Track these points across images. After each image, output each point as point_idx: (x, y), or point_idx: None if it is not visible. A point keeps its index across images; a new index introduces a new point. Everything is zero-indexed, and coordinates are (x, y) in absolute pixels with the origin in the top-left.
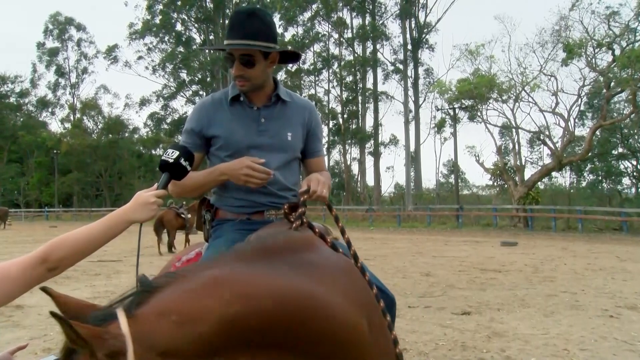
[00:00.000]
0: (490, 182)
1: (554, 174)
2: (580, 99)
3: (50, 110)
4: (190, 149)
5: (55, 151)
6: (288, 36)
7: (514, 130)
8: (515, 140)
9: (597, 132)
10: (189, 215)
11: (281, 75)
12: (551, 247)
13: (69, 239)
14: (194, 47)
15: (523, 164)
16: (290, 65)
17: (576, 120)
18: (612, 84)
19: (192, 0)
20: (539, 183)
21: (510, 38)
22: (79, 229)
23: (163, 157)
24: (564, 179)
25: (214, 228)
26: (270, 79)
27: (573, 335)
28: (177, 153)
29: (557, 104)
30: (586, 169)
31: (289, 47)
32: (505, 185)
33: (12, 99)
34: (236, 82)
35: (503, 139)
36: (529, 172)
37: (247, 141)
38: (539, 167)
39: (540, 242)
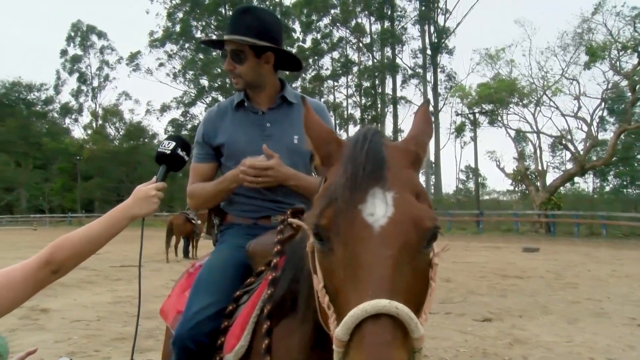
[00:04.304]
0: (511, 188)
1: (576, 179)
2: (604, 103)
3: (73, 117)
4: (186, 140)
5: (77, 157)
6: (308, 42)
7: (535, 134)
8: (537, 145)
9: (622, 136)
10: (199, 222)
11: (299, 82)
12: (573, 253)
13: (71, 239)
14: (214, 53)
15: (544, 169)
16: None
17: (599, 124)
18: (638, 87)
19: (212, 7)
20: (561, 188)
21: (530, 42)
22: (80, 228)
23: (159, 149)
24: (586, 184)
25: (221, 232)
26: (273, 79)
27: (598, 343)
28: (173, 144)
29: (579, 108)
30: (610, 173)
31: (288, 48)
32: (527, 191)
33: (38, 107)
34: (232, 80)
35: (522, 144)
36: (550, 178)
37: (250, 148)
38: (561, 172)
39: (563, 248)
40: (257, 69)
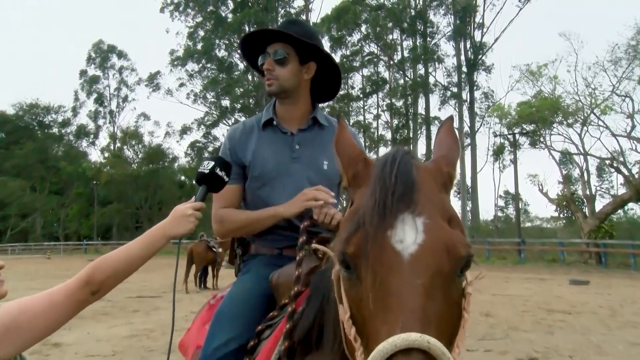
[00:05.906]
0: (555, 214)
1: (630, 204)
2: None
3: (90, 140)
4: (226, 160)
5: (94, 182)
6: (337, 58)
7: (581, 156)
8: (584, 167)
9: None
10: (220, 250)
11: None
12: (631, 288)
13: (109, 260)
14: (236, 73)
15: (593, 193)
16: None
17: None
18: None
19: (235, 26)
20: (613, 215)
21: (577, 56)
22: (119, 249)
23: (199, 170)
24: None
25: (244, 263)
26: (307, 97)
27: None
28: (212, 163)
29: (633, 127)
30: None
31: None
32: (573, 217)
33: (54, 129)
34: (265, 82)
35: (569, 167)
36: (598, 203)
37: (278, 169)
38: (610, 198)
39: (617, 281)
40: (297, 76)
